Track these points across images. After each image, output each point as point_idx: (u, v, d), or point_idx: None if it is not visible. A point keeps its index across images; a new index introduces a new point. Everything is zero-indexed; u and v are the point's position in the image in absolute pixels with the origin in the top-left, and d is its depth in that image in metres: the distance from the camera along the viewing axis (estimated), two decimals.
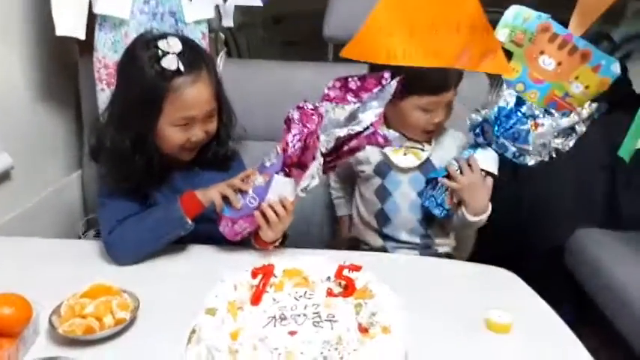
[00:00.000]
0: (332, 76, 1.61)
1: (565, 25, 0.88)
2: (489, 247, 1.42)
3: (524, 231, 1.84)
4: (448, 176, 1.17)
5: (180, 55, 1.06)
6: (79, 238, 1.60)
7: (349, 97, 1.01)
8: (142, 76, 1.05)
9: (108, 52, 1.38)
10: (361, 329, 0.75)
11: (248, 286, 0.82)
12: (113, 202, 1.14)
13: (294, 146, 1.03)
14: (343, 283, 0.84)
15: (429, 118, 1.17)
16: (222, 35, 1.75)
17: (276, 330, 0.74)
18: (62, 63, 1.60)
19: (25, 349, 0.83)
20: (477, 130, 1.15)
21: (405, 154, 1.23)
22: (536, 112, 1.08)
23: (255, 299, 0.80)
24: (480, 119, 1.13)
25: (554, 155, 1.12)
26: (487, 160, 1.15)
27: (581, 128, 1.07)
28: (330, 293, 0.83)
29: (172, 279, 1.06)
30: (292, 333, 0.74)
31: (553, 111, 1.06)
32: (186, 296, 0.87)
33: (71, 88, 1.63)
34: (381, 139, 1.02)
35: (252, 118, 1.55)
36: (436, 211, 1.20)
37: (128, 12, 1.33)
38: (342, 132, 1.00)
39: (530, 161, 1.12)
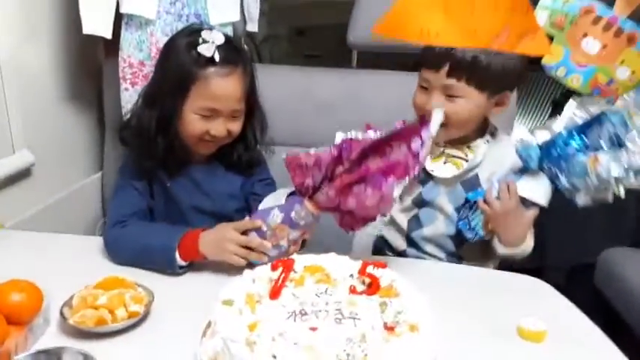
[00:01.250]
0: (355, 83, 1.61)
1: (610, 5, 0.84)
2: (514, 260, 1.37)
3: (549, 246, 1.78)
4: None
5: (219, 47, 1.07)
6: None
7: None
8: (178, 58, 1.08)
9: (133, 52, 1.37)
10: (387, 328, 0.70)
11: (267, 279, 0.78)
12: (125, 193, 1.13)
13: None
14: (367, 280, 0.79)
15: (424, 98, 1.07)
16: (246, 47, 1.75)
17: (297, 325, 0.70)
18: (88, 66, 1.61)
19: (35, 338, 0.80)
20: (524, 154, 1.02)
21: (444, 163, 1.13)
22: (602, 143, 0.93)
23: (274, 293, 0.76)
24: (530, 142, 1.01)
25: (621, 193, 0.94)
26: (533, 188, 1.03)
27: None
28: (352, 291, 0.78)
29: (189, 276, 1.03)
30: (313, 329, 0.69)
31: (628, 142, 0.90)
32: (203, 293, 0.82)
33: (95, 91, 1.64)
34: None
35: (275, 124, 1.53)
36: (468, 235, 1.10)
37: (154, 12, 1.33)
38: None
39: (582, 200, 0.97)
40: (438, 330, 0.70)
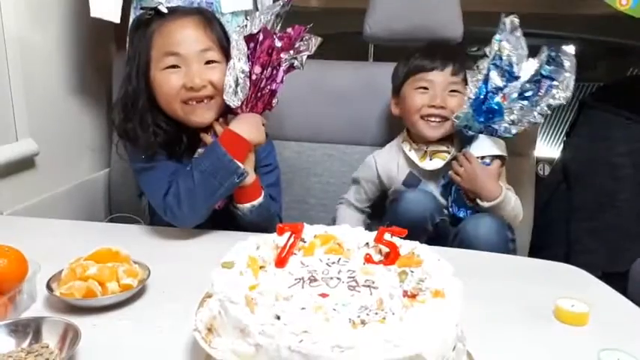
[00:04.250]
0: (371, 75, 1.55)
1: None
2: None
3: (578, 253, 1.68)
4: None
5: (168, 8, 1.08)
6: None
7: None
8: (134, 27, 1.11)
9: None
10: (408, 296, 0.62)
11: (273, 245, 0.70)
12: (156, 163, 1.07)
13: None
14: (384, 249, 0.71)
15: (426, 98, 1.24)
16: None
17: (305, 291, 0.61)
18: (98, 61, 1.58)
19: (17, 312, 0.73)
20: (463, 127, 1.20)
21: (430, 159, 1.27)
22: (501, 83, 1.13)
23: (281, 261, 0.68)
24: (461, 118, 1.19)
25: (547, 112, 1.13)
26: (482, 146, 1.19)
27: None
28: (368, 260, 0.70)
29: (187, 254, 0.97)
30: (323, 295, 0.61)
31: (515, 70, 1.11)
32: (202, 272, 0.72)
33: (105, 88, 1.61)
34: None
35: (288, 118, 1.47)
36: (462, 214, 1.22)
37: None
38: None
39: (514, 130, 1.16)
40: (470, 316, 0.61)
